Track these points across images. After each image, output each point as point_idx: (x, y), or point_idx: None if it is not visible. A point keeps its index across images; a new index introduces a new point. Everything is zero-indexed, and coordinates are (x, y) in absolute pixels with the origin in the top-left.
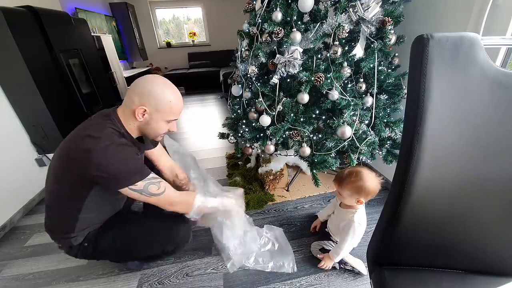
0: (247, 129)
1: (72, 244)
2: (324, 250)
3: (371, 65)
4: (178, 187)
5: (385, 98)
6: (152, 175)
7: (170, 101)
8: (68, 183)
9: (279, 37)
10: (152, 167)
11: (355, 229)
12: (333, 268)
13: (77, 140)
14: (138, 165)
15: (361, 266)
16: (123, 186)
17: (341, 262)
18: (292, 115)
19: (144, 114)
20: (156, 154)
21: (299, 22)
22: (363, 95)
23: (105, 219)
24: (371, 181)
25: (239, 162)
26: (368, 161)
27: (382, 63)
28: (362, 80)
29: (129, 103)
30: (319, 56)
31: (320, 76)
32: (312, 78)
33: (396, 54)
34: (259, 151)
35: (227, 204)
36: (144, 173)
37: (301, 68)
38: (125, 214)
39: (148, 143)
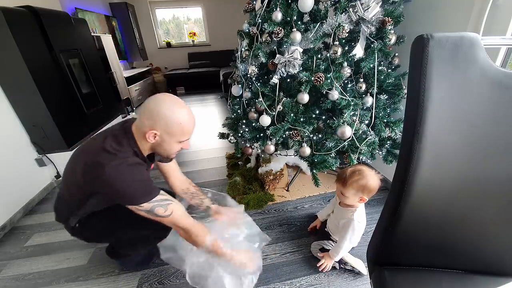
0: (247, 129)
1: (70, 225)
2: (324, 250)
3: (371, 65)
4: (191, 195)
5: (385, 98)
6: (161, 196)
7: (181, 123)
8: (77, 184)
9: (279, 37)
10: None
11: (355, 227)
12: (333, 268)
13: (95, 151)
14: (146, 187)
15: (361, 266)
16: (131, 205)
17: (341, 262)
18: (292, 115)
19: (155, 137)
20: (169, 168)
21: (299, 22)
22: (363, 95)
23: None
24: (374, 178)
25: (239, 162)
26: (368, 161)
27: (382, 63)
28: (362, 80)
29: (141, 125)
30: (319, 56)
31: (320, 76)
32: (312, 78)
33: (396, 54)
34: (259, 151)
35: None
36: (152, 195)
37: (301, 68)
38: None
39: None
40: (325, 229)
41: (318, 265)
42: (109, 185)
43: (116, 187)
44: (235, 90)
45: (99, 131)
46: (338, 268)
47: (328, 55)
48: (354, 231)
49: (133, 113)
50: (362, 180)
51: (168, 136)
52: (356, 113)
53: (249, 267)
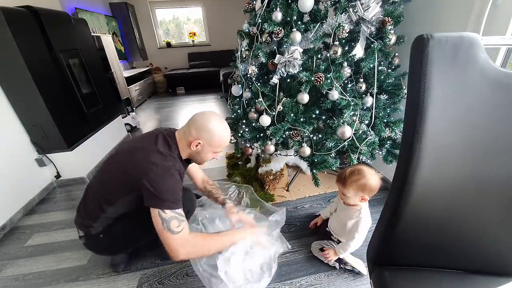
0: (247, 129)
1: (91, 233)
2: (323, 250)
3: (371, 65)
4: (208, 192)
5: (385, 98)
6: (181, 211)
7: (223, 137)
8: (114, 180)
9: (279, 37)
10: None
11: (364, 226)
12: (333, 268)
13: (148, 151)
14: (178, 196)
15: (361, 266)
16: (157, 206)
17: (341, 262)
18: (292, 115)
19: (197, 145)
20: (195, 169)
21: (299, 22)
22: (363, 95)
23: None
24: (374, 178)
25: (239, 162)
26: (368, 161)
27: (382, 63)
28: (362, 80)
29: (188, 134)
30: (319, 56)
31: (320, 76)
32: (312, 78)
33: (396, 54)
34: (259, 151)
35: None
36: (178, 205)
37: (301, 68)
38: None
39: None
40: (326, 228)
41: (322, 254)
42: (155, 181)
43: (160, 186)
44: (235, 90)
45: (141, 135)
46: (338, 268)
47: (328, 55)
48: (364, 230)
49: (133, 113)
50: (361, 180)
51: (208, 147)
52: (356, 113)
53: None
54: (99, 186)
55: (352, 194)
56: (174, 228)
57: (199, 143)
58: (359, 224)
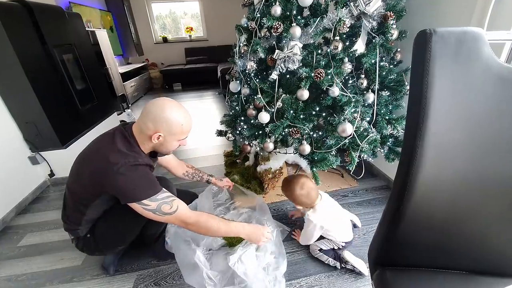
0: (245, 126)
1: (79, 235)
2: (322, 250)
3: (373, 61)
4: (192, 175)
5: (387, 94)
6: (165, 193)
7: (182, 125)
8: (82, 186)
9: (278, 32)
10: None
11: (308, 225)
12: (334, 269)
13: (107, 152)
14: (153, 183)
15: (362, 266)
16: (135, 201)
17: (342, 260)
18: (291, 112)
19: (158, 138)
20: (167, 160)
21: (298, 17)
22: (365, 92)
23: None
24: (295, 192)
25: (237, 160)
26: (370, 159)
27: (384, 58)
28: (363, 76)
29: (145, 128)
30: (319, 51)
31: (320, 72)
32: (312, 74)
33: (398, 50)
34: (258, 149)
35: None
36: (157, 189)
37: (300, 64)
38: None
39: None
40: None
41: (293, 235)
42: (121, 181)
43: (127, 184)
44: (233, 86)
45: (99, 136)
46: (339, 267)
47: (328, 50)
48: (307, 229)
49: (129, 110)
50: (285, 193)
51: (170, 136)
52: (357, 110)
53: (263, 235)
54: (71, 194)
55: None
56: (168, 210)
57: (159, 135)
58: (305, 222)
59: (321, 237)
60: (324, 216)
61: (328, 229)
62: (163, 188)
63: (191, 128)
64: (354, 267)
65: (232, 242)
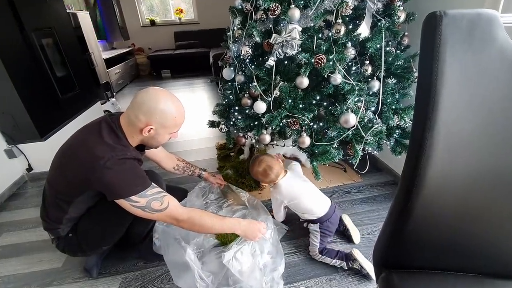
0: (240, 117)
1: (60, 235)
2: (324, 253)
3: (378, 46)
4: (182, 169)
5: (394, 82)
6: (154, 189)
7: (175, 117)
8: (65, 181)
9: (275, 15)
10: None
11: (272, 203)
12: (336, 271)
13: (91, 145)
14: (142, 178)
15: (370, 268)
16: (123, 198)
17: (350, 259)
18: (290, 101)
19: (150, 131)
20: (156, 153)
21: None
22: (369, 79)
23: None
24: (253, 169)
25: (231, 154)
26: (375, 152)
27: (390, 43)
28: (367, 62)
29: (136, 120)
30: (320, 35)
31: (321, 58)
32: (312, 60)
33: (406, 34)
34: (253, 141)
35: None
36: (146, 185)
37: (300, 49)
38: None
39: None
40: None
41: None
42: (108, 175)
43: (114, 179)
44: (227, 73)
45: (83, 126)
46: (346, 267)
47: (330, 34)
48: (273, 207)
49: (113, 99)
50: (250, 174)
51: (162, 129)
52: (361, 99)
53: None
54: (52, 190)
55: None
56: (158, 207)
57: (151, 128)
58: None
59: (308, 232)
60: (286, 192)
61: (295, 207)
62: (152, 183)
63: (184, 120)
64: (362, 267)
65: (226, 242)
